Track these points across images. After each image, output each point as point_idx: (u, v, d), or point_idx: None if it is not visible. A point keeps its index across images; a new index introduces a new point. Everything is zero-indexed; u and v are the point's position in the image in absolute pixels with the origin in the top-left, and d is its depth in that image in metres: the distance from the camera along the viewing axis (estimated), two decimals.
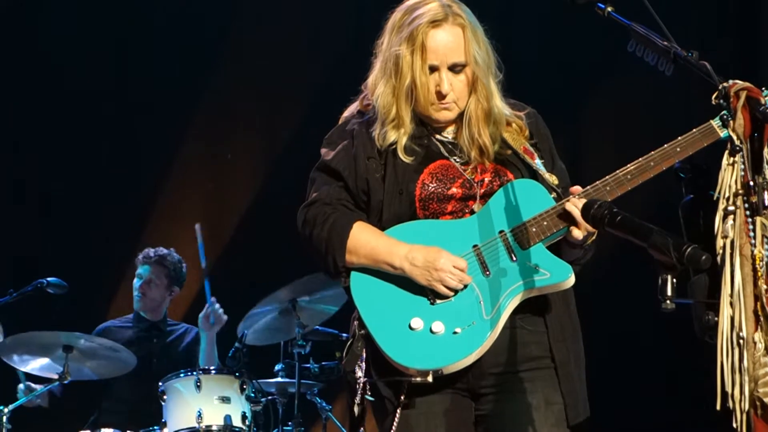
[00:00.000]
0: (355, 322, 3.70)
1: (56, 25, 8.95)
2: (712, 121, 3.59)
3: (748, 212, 2.85)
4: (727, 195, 2.87)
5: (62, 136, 8.76)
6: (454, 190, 3.74)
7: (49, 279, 7.04)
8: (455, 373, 3.62)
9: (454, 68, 3.73)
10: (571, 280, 3.64)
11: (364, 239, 3.69)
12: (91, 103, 8.88)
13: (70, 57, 8.86)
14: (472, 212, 3.73)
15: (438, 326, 3.60)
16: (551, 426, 3.68)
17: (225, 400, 6.80)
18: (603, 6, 3.32)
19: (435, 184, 3.74)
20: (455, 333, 3.59)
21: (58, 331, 6.95)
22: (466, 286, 3.63)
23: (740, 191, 2.86)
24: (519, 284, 3.62)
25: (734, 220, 2.85)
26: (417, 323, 3.61)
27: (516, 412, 3.69)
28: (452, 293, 3.62)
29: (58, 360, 6.96)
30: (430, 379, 3.57)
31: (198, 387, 6.77)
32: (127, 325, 7.84)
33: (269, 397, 7.12)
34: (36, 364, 7.09)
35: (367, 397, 3.65)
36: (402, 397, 3.64)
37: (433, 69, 3.72)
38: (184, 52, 8.99)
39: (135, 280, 7.85)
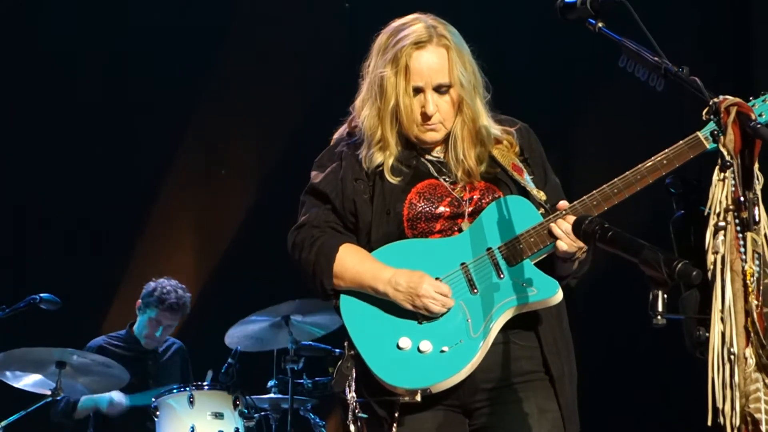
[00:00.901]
0: (346, 342, 3.71)
1: (55, 28, 8.95)
2: (698, 133, 3.58)
3: (738, 228, 2.85)
4: (717, 210, 2.87)
5: (57, 148, 8.75)
6: (442, 208, 3.74)
7: (42, 295, 7.02)
8: (446, 390, 3.62)
9: (439, 89, 3.73)
10: (559, 296, 3.64)
11: (350, 263, 3.71)
12: (87, 114, 8.88)
13: (69, 62, 8.85)
14: (460, 230, 3.73)
15: (426, 345, 3.60)
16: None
17: (218, 416, 6.80)
18: (594, 22, 3.32)
19: (423, 204, 3.74)
20: (443, 351, 3.60)
21: (51, 347, 6.93)
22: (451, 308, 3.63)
23: (731, 207, 2.86)
24: (506, 301, 3.62)
25: (725, 235, 2.85)
26: (405, 343, 3.62)
27: (510, 421, 3.69)
28: (439, 315, 3.63)
29: (51, 376, 6.95)
30: (418, 398, 3.58)
31: (191, 403, 6.77)
32: (121, 345, 7.80)
33: (262, 413, 7.12)
34: (29, 380, 7.07)
35: (360, 415, 3.65)
36: (396, 415, 3.64)
37: (418, 90, 3.73)
38: (180, 63, 9.00)
39: (152, 324, 7.80)
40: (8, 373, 7.00)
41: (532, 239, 3.64)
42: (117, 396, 7.42)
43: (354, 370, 3.66)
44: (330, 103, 4.11)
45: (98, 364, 7.05)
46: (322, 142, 3.98)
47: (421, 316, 3.64)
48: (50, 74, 8.91)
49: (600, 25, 3.30)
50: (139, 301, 7.83)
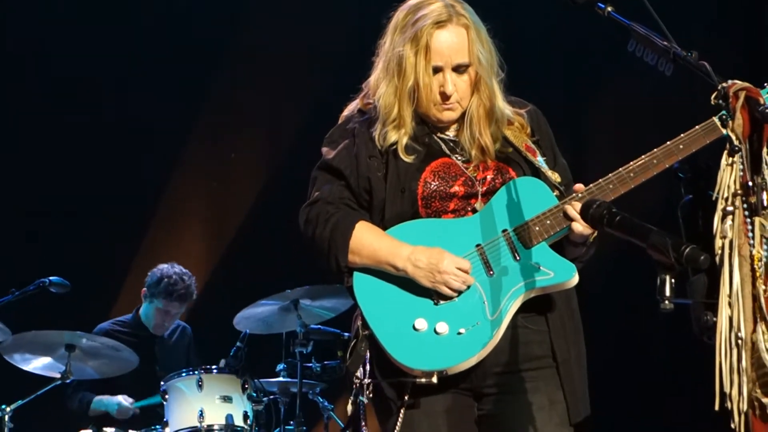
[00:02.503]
0: (358, 322, 3.69)
1: (57, 20, 8.94)
2: (714, 118, 3.57)
3: (746, 212, 2.85)
4: (725, 195, 2.86)
5: (65, 136, 8.75)
6: (456, 188, 3.73)
7: (51, 278, 7.01)
8: (459, 373, 3.61)
9: (458, 69, 3.72)
10: (575, 279, 3.64)
11: (367, 240, 3.68)
12: (94, 102, 8.89)
13: (72, 54, 8.85)
14: (474, 210, 3.73)
15: (442, 327, 3.60)
16: (555, 425, 3.68)
17: (227, 399, 6.81)
18: (603, 6, 3.31)
19: (437, 182, 3.73)
20: (459, 333, 3.59)
21: (61, 330, 6.95)
22: (469, 287, 3.62)
23: (739, 192, 2.85)
24: (523, 284, 3.61)
25: (733, 220, 2.84)
26: (421, 324, 3.61)
27: (519, 412, 3.68)
28: (456, 294, 3.62)
29: (61, 359, 6.97)
30: (434, 380, 3.56)
31: (200, 386, 6.78)
32: (127, 330, 7.82)
33: (271, 397, 7.13)
34: (38, 363, 7.09)
35: (361, 398, 3.63)
36: (406, 398, 3.63)
37: (437, 70, 3.72)
38: (188, 51, 8.98)
39: (159, 312, 7.82)
40: (17, 356, 7.02)
41: (548, 221, 3.64)
42: (125, 401, 7.44)
43: (368, 351, 3.65)
44: (339, 88, 4.10)
45: (107, 347, 7.07)
46: (330, 128, 3.97)
47: (437, 296, 3.62)
48: (51, 71, 8.92)
49: (609, 9, 3.30)
50: (144, 289, 7.84)
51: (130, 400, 7.46)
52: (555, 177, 3.76)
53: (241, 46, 9.09)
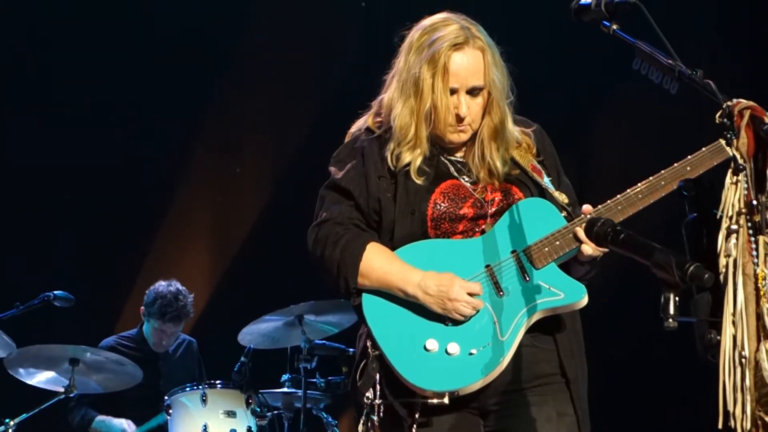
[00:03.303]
0: (368, 342, 3.69)
1: (59, 34, 8.95)
2: (721, 140, 3.57)
3: (751, 231, 2.85)
4: (730, 214, 2.86)
5: (70, 149, 8.76)
6: (465, 209, 3.74)
7: (55, 292, 7.02)
8: (470, 393, 3.62)
9: (473, 91, 3.73)
10: (585, 301, 3.65)
11: (377, 263, 3.68)
12: (99, 116, 8.89)
13: (77, 69, 8.87)
14: (482, 232, 3.73)
15: (453, 348, 3.60)
16: None
17: (231, 414, 6.81)
18: (608, 24, 3.32)
19: (446, 204, 3.74)
20: (471, 354, 3.59)
21: (65, 344, 6.95)
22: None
23: (743, 210, 2.85)
24: (533, 305, 3.62)
25: (737, 239, 2.85)
26: (432, 345, 3.61)
27: (526, 423, 3.68)
28: (467, 318, 3.63)
29: (65, 373, 6.96)
30: (446, 400, 3.57)
31: (204, 401, 6.78)
32: (131, 345, 7.81)
33: (275, 412, 7.12)
34: (42, 377, 7.08)
35: (372, 417, 3.63)
36: (417, 416, 3.63)
37: (453, 92, 3.72)
38: (192, 64, 8.99)
39: (159, 332, 7.82)
40: (22, 370, 7.01)
41: (557, 242, 3.64)
42: (129, 426, 7.43)
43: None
44: (345, 102, 4.11)
45: (111, 361, 7.06)
46: (336, 142, 3.97)
47: (448, 318, 3.63)
48: (54, 88, 8.93)
49: (615, 27, 3.30)
50: (142, 308, 7.84)
51: (134, 427, 7.44)
52: (562, 198, 3.77)
53: (246, 58, 9.09)
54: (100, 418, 7.50)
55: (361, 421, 3.64)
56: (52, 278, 7.66)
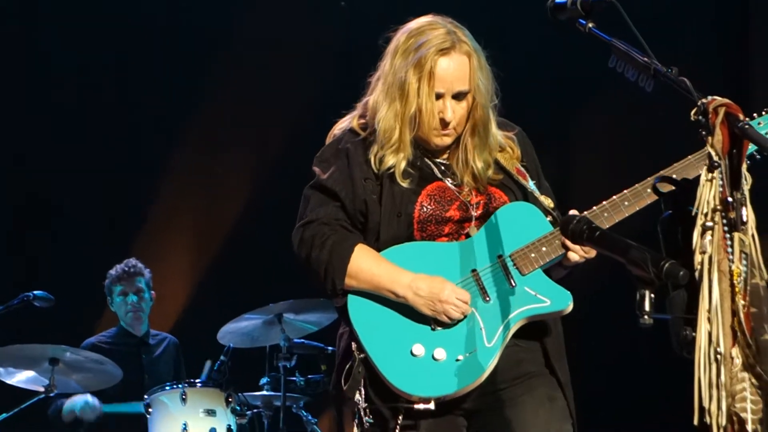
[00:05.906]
0: (351, 343, 3.68)
1: (52, 35, 8.93)
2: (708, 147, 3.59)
3: (726, 228, 2.86)
4: (705, 211, 2.87)
5: (50, 148, 8.74)
6: (451, 212, 3.74)
7: (35, 292, 7.00)
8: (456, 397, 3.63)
9: (458, 96, 3.73)
10: (570, 307, 3.67)
11: (366, 265, 3.68)
12: (83, 117, 8.87)
13: (67, 68, 8.84)
14: (467, 235, 3.74)
15: (440, 353, 3.61)
16: (557, 421, 3.72)
17: (210, 413, 6.80)
18: (584, 22, 3.32)
19: (433, 206, 3.74)
20: (458, 360, 3.60)
21: (45, 344, 6.93)
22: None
23: (719, 207, 2.86)
24: (519, 312, 3.64)
25: (712, 235, 2.85)
26: (419, 350, 3.62)
27: (521, 412, 3.71)
28: (454, 322, 3.63)
29: (44, 373, 6.94)
30: (432, 405, 3.58)
31: (183, 400, 6.77)
32: (112, 341, 7.81)
33: (255, 410, 7.12)
34: (22, 377, 7.06)
35: (366, 420, 3.62)
36: (400, 418, 3.63)
37: (438, 96, 3.72)
38: (177, 67, 8.99)
39: (122, 298, 7.81)
40: (1, 370, 6.99)
41: (543, 248, 3.66)
42: (92, 399, 7.40)
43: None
44: (326, 104, 4.10)
45: (91, 360, 7.05)
46: (318, 143, 3.96)
47: (434, 322, 3.63)
48: (45, 86, 8.90)
49: (590, 25, 3.31)
50: (108, 298, 7.86)
51: (97, 401, 7.39)
52: (548, 202, 3.78)
53: (230, 60, 9.08)
54: (66, 403, 7.43)
55: (355, 423, 3.64)
56: (32, 278, 7.63)
